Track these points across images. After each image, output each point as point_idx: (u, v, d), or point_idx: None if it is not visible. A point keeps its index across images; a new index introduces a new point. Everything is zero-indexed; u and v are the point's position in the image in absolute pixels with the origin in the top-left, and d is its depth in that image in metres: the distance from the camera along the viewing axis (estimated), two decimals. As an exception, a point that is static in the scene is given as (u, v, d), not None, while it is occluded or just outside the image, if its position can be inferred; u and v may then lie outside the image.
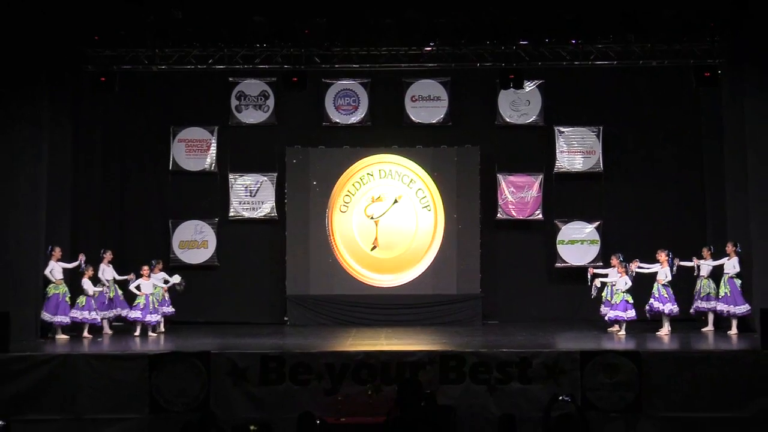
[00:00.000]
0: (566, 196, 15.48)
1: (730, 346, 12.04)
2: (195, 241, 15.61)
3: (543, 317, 15.03)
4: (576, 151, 15.52)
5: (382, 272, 15.45)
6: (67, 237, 13.74)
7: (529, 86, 15.37)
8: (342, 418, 10.50)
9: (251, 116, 15.77)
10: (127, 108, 15.57)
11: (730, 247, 13.08)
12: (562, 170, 15.52)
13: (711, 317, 13.26)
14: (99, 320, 13.37)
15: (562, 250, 15.42)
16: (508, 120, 15.63)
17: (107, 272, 13.69)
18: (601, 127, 15.47)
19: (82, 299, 13.21)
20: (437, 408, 8.95)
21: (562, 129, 15.53)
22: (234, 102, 15.77)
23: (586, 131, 15.51)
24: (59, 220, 13.63)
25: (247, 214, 15.73)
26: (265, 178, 15.69)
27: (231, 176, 15.72)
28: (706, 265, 13.32)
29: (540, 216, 15.53)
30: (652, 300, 13.19)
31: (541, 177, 15.51)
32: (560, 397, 7.96)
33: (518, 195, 15.52)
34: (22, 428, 10.39)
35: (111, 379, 10.80)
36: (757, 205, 13.00)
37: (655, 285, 13.22)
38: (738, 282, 12.96)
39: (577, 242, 15.42)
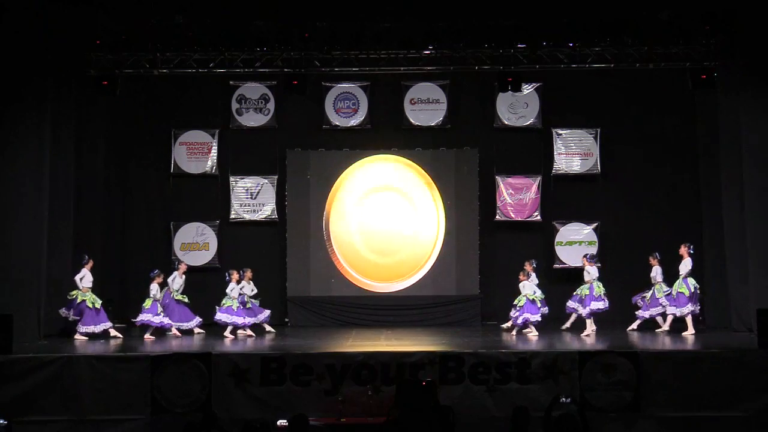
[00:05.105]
0: (564, 198, 15.56)
1: (728, 346, 12.09)
2: (196, 243, 15.69)
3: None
4: (574, 153, 15.60)
5: (382, 274, 15.51)
6: (70, 239, 13.80)
7: (527, 89, 15.46)
8: (342, 418, 10.58)
9: (252, 119, 15.86)
10: (128, 111, 15.65)
11: (683, 249, 13.24)
12: (560, 172, 15.60)
13: (669, 318, 13.31)
14: (168, 323, 13.56)
15: (560, 251, 15.50)
16: (506, 122, 15.71)
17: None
18: (599, 129, 15.55)
19: (147, 302, 13.46)
20: (436, 408, 9.02)
21: (559, 131, 15.61)
22: (235, 105, 15.86)
23: (583, 133, 15.60)
24: (62, 223, 13.68)
25: (247, 217, 15.82)
26: (266, 181, 15.77)
27: (232, 179, 15.80)
28: (657, 271, 13.44)
29: (538, 217, 15.60)
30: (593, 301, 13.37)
31: (539, 179, 15.59)
32: (562, 398, 8.01)
33: (516, 197, 15.59)
34: (25, 429, 10.45)
35: (113, 380, 10.88)
36: (753, 206, 13.04)
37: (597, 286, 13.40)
38: (692, 282, 13.11)
39: (575, 243, 15.50)
